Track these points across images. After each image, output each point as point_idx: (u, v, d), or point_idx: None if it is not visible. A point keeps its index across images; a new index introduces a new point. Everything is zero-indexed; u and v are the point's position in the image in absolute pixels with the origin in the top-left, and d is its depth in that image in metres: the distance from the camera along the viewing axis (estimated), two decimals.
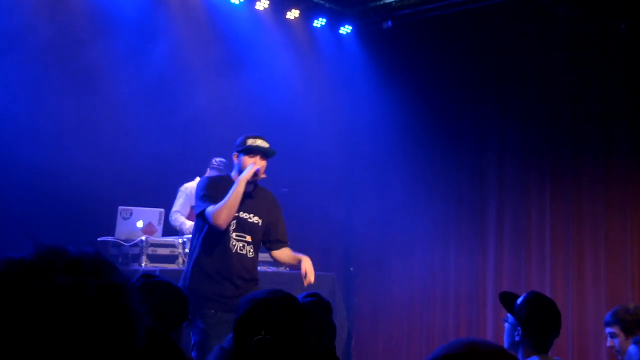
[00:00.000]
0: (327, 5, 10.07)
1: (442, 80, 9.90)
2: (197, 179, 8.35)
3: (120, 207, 7.22)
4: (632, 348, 3.74)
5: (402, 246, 10.00)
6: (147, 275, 3.74)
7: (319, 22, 10.06)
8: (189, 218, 8.17)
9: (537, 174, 9.02)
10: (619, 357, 4.63)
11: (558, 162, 8.87)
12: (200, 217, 5.45)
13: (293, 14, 9.76)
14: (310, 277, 5.46)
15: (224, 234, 5.45)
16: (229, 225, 5.44)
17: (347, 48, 10.44)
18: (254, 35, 9.51)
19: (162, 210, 7.64)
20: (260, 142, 5.57)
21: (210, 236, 5.45)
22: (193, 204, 8.25)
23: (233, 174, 5.60)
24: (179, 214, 8.19)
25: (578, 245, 8.60)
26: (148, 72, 8.51)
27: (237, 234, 5.52)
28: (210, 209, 5.32)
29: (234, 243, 5.49)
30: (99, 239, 7.13)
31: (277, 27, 9.71)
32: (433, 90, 9.99)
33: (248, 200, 5.55)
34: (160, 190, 8.35)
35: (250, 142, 5.54)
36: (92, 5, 8.14)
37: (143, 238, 7.07)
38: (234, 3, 9.19)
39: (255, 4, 9.41)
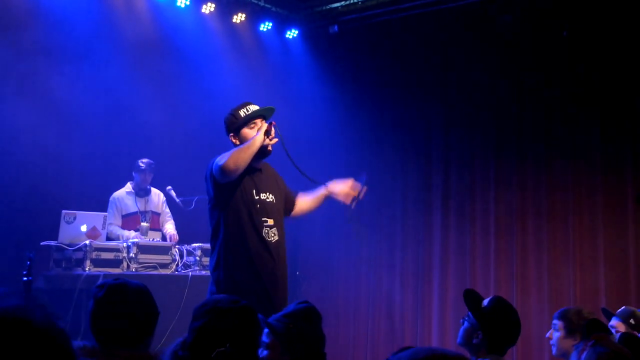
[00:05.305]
0: (273, 9, 10.06)
1: (388, 84, 9.96)
2: (128, 184, 8.26)
3: (63, 211, 7.11)
4: (573, 355, 3.79)
5: (348, 250, 10.03)
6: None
7: (265, 26, 10.03)
8: (122, 227, 8.09)
9: (482, 177, 9.12)
10: (553, 349, 4.72)
11: (502, 165, 8.98)
12: (216, 178, 4.56)
13: (239, 17, 9.71)
14: (353, 191, 4.94)
15: (252, 221, 4.69)
16: (256, 211, 4.72)
17: (293, 52, 10.44)
18: (200, 39, 9.46)
19: (106, 214, 7.57)
20: (252, 107, 4.86)
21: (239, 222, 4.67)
22: (124, 212, 8.16)
23: None
24: (113, 226, 7.97)
25: (522, 254, 8.72)
26: (90, 76, 8.42)
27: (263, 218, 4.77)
28: (218, 158, 4.48)
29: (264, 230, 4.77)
30: (42, 243, 7.02)
31: (223, 31, 9.67)
32: (378, 94, 10.04)
33: (261, 177, 4.89)
34: (104, 195, 8.25)
35: (242, 113, 4.82)
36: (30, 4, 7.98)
37: (87, 242, 6.98)
38: (180, 6, 9.13)
39: (201, 8, 9.37)
